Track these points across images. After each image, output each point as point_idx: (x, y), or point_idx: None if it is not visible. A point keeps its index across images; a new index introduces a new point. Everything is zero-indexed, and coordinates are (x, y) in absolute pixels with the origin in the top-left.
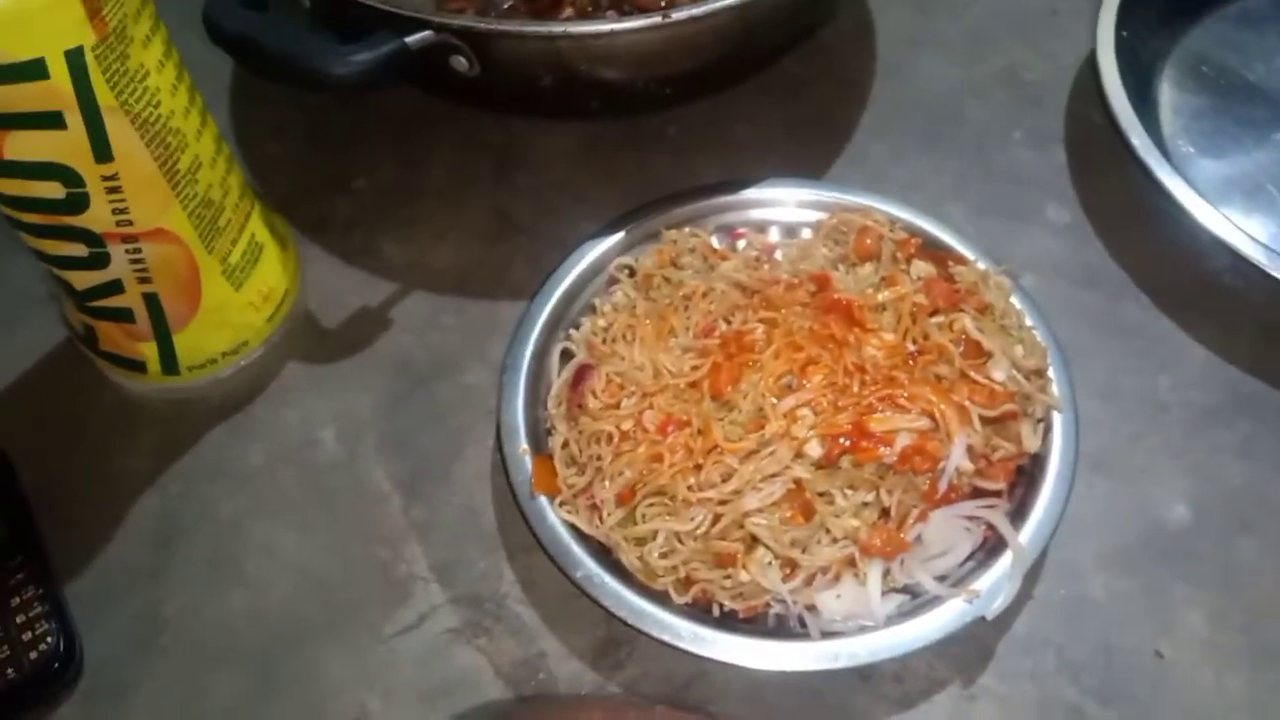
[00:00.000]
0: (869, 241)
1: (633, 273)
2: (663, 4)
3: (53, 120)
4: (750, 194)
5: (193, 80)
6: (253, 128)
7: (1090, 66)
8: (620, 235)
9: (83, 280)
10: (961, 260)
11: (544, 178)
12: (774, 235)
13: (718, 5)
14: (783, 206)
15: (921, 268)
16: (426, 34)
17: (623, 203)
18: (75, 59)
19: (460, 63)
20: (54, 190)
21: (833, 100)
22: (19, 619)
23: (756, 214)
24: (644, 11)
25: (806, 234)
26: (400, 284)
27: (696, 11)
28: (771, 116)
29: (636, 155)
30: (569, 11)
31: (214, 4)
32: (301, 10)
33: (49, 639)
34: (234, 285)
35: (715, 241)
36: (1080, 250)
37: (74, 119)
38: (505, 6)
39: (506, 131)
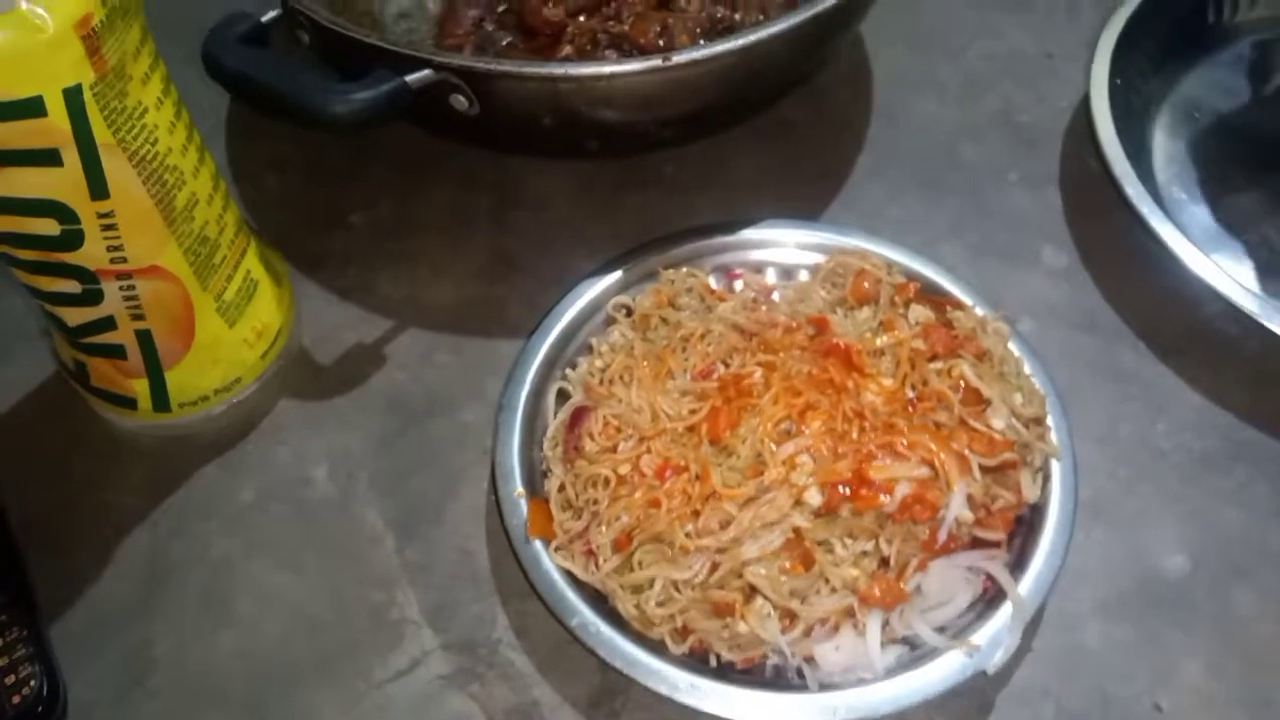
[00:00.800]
0: (867, 285)
1: (630, 312)
2: (662, 45)
3: (49, 157)
4: (748, 234)
5: (190, 117)
6: (249, 163)
7: (1084, 110)
8: (618, 274)
9: (75, 316)
10: (959, 305)
11: (542, 216)
12: (771, 276)
13: (718, 49)
14: (780, 248)
15: (919, 312)
16: (426, 73)
17: (620, 242)
18: (73, 97)
19: (460, 101)
20: (49, 227)
21: (829, 142)
22: (2, 661)
23: (754, 255)
24: (644, 53)
25: (804, 275)
26: (396, 321)
27: (696, 55)
28: (769, 157)
29: (634, 195)
30: (567, 50)
31: (213, 41)
32: (301, 47)
33: (32, 682)
34: (228, 322)
35: (713, 282)
36: (1077, 294)
37: (71, 156)
38: (502, 44)
39: (504, 170)
